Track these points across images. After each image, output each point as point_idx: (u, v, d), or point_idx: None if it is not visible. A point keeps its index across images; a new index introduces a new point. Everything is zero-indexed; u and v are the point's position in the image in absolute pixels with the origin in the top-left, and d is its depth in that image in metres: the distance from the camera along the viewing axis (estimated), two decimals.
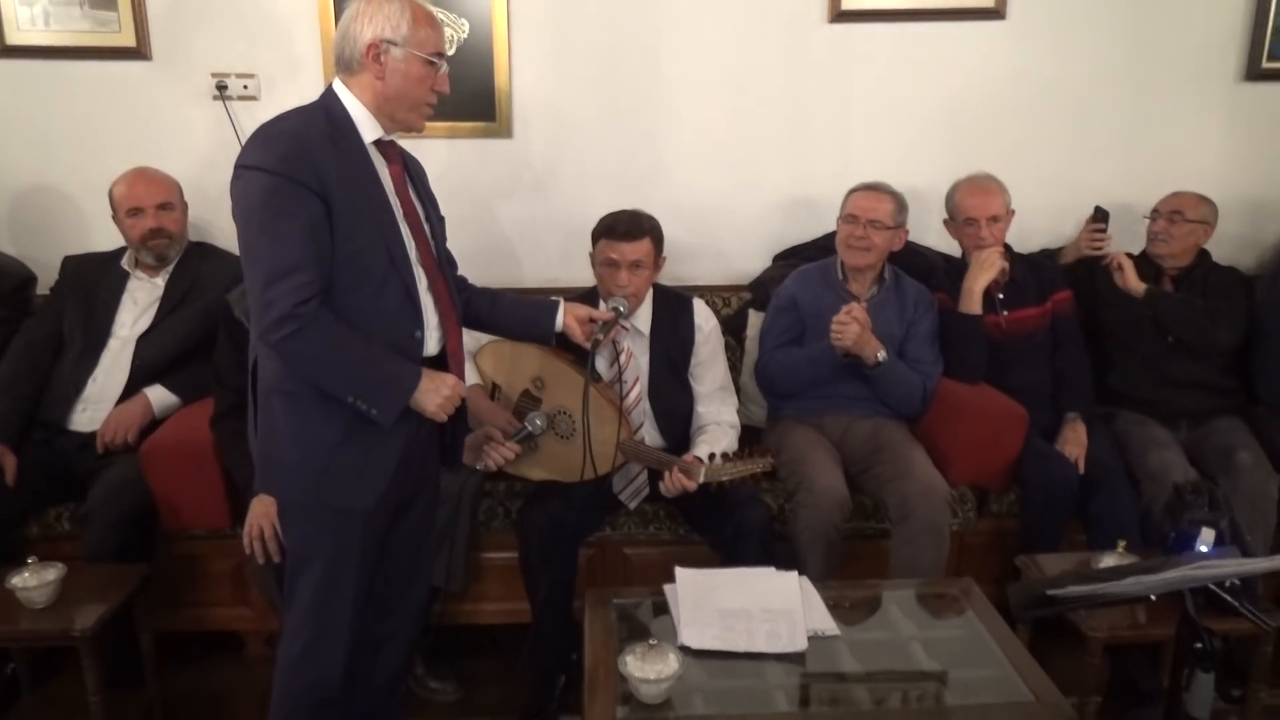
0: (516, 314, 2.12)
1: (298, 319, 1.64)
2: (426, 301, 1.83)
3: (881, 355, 2.56)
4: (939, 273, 2.87)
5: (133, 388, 2.58)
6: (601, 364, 2.45)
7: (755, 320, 2.96)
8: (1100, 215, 2.83)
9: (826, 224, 2.80)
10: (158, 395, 2.57)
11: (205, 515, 2.44)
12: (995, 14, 2.97)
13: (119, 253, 2.75)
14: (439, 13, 2.88)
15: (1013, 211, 2.78)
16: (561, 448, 2.38)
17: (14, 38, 2.90)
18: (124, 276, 2.71)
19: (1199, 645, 1.43)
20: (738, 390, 2.79)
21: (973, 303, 2.68)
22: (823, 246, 2.95)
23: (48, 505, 2.50)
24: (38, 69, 2.92)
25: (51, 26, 2.90)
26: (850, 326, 2.49)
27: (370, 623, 1.94)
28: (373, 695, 2.04)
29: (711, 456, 2.26)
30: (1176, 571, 1.36)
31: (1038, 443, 2.61)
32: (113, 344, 2.63)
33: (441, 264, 1.90)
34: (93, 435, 2.53)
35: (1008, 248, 2.80)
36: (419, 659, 2.51)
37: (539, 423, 2.34)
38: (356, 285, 1.72)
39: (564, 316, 2.07)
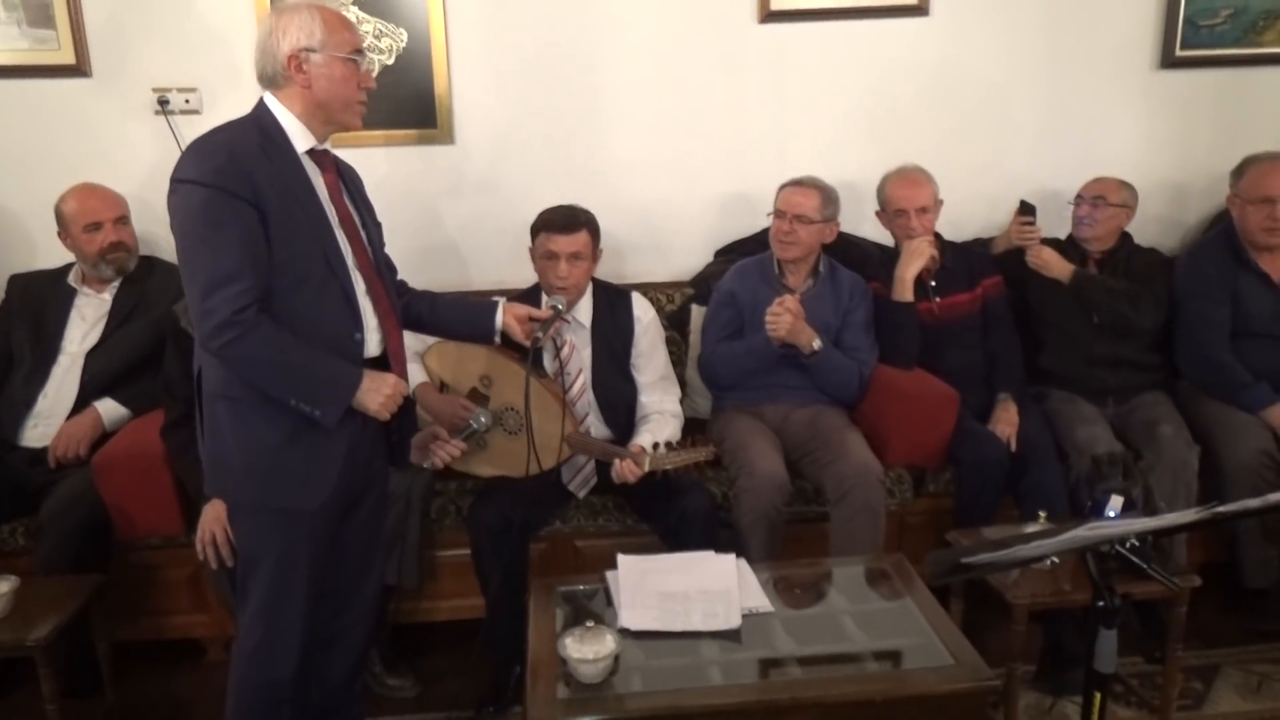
0: (457, 315, 2.18)
1: (238, 325, 1.69)
2: (365, 304, 1.88)
3: (816, 344, 2.65)
4: (873, 262, 2.96)
5: (83, 402, 2.61)
6: (546, 358, 2.52)
7: (698, 315, 3.03)
8: (1026, 209, 2.94)
9: (764, 219, 2.89)
10: (108, 408, 2.61)
11: (159, 524, 2.47)
12: (919, 10, 3.07)
13: (65, 269, 2.78)
14: (375, 22, 2.96)
15: (941, 201, 2.87)
16: (510, 444, 2.44)
17: None
18: (71, 293, 2.73)
19: (1100, 604, 1.52)
20: (682, 384, 2.88)
21: (904, 290, 2.77)
22: (761, 241, 3.03)
23: (1, 521, 2.53)
24: None
25: None
26: (783, 318, 2.57)
27: (323, 620, 2.00)
28: (329, 692, 2.09)
29: (655, 446, 2.34)
30: (1071, 533, 1.44)
31: (970, 423, 2.71)
32: (62, 359, 2.66)
33: (379, 268, 1.96)
34: (44, 450, 2.57)
35: (938, 236, 2.90)
36: (376, 657, 2.56)
37: (483, 420, 2.40)
38: (295, 291, 1.77)
39: (503, 316, 2.13)
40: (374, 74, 1.88)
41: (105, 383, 2.63)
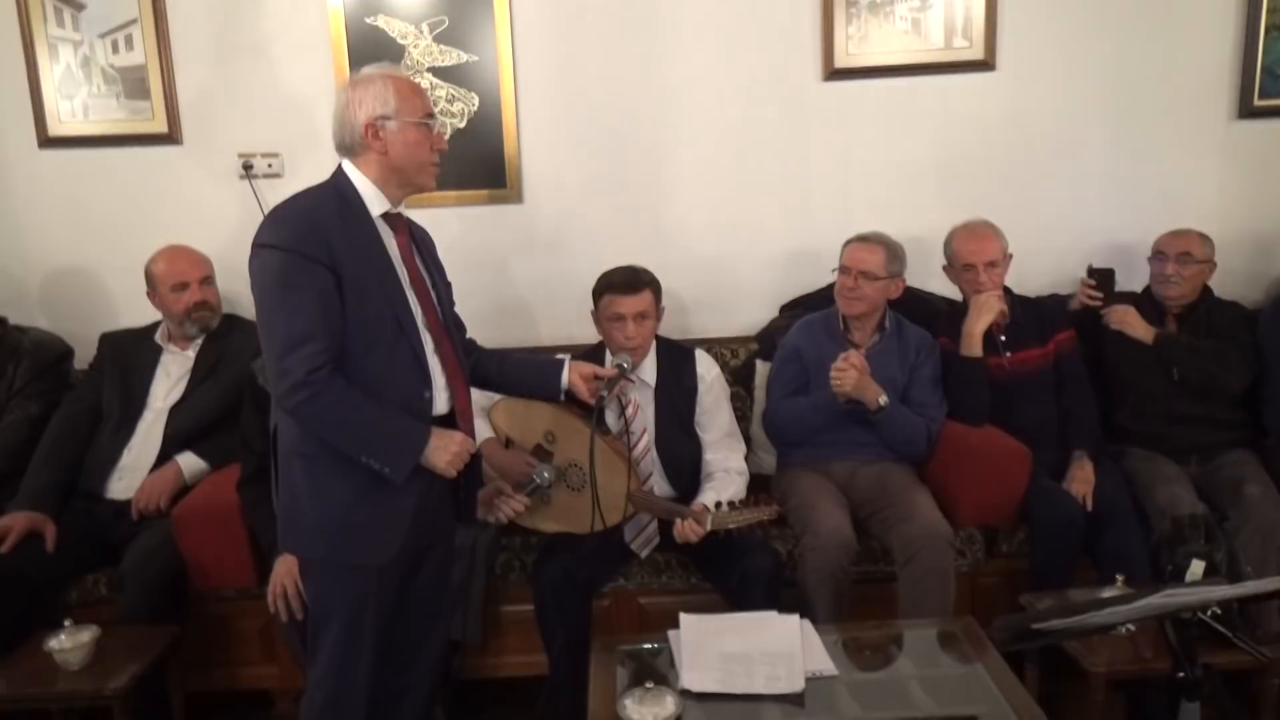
0: (524, 373, 2.22)
1: (311, 385, 1.75)
2: (434, 363, 1.93)
3: (883, 400, 2.62)
4: (941, 318, 2.92)
5: (165, 456, 2.71)
6: (610, 416, 2.54)
7: (763, 370, 3.03)
8: (1096, 275, 2.88)
9: (830, 274, 2.88)
10: (188, 462, 2.70)
11: (233, 575, 2.54)
12: (985, 65, 3.07)
13: (152, 328, 2.90)
14: (448, 88, 3.07)
15: (1010, 256, 2.84)
16: (573, 500, 2.45)
17: (56, 129, 3.10)
18: (157, 350, 2.85)
19: (1181, 674, 1.46)
20: (747, 440, 2.86)
21: (973, 345, 2.73)
22: (827, 296, 3.01)
23: (86, 571, 2.62)
24: (77, 157, 3.12)
25: (90, 117, 3.10)
26: (848, 373, 2.55)
27: (390, 674, 2.02)
28: None
29: (718, 505, 2.33)
30: (1147, 600, 1.39)
31: (1044, 482, 2.63)
32: (147, 415, 2.77)
33: (448, 327, 2.00)
34: (128, 503, 2.66)
35: (1008, 290, 2.86)
36: (440, 713, 2.57)
37: (546, 475, 2.42)
38: (368, 350, 1.83)
39: (569, 374, 2.16)
40: (446, 136, 1.95)
41: (187, 437, 2.73)
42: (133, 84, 3.08)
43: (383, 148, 1.87)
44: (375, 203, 1.90)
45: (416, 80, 1.92)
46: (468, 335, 2.19)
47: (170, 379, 2.81)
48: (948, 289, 3.01)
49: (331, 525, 1.86)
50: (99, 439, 2.76)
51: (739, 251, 3.21)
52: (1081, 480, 2.65)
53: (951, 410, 2.75)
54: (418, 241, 2.02)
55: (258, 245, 1.82)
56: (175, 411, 2.75)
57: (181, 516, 2.50)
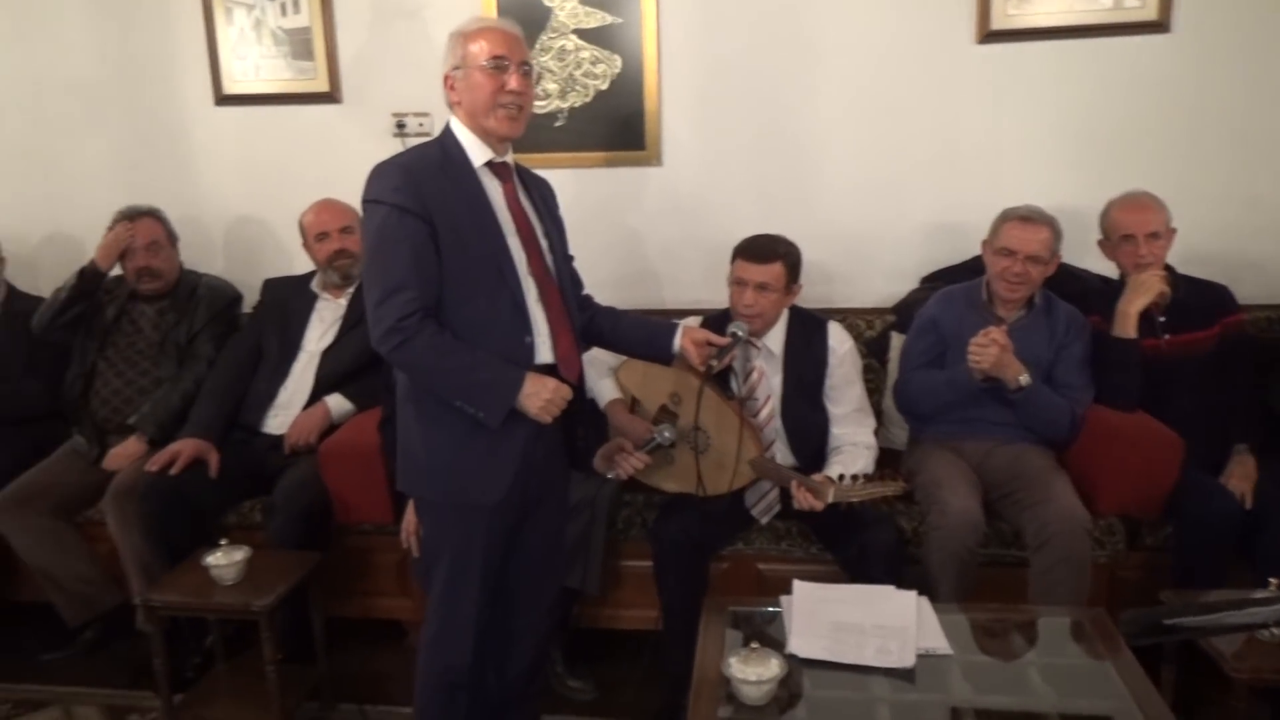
0: (637, 334, 2.23)
1: (402, 331, 1.82)
2: (536, 311, 1.96)
3: (1024, 379, 2.50)
4: (1094, 295, 2.76)
5: (316, 396, 2.88)
6: (734, 382, 2.53)
7: (898, 342, 2.95)
8: None
9: (975, 246, 2.76)
10: (336, 403, 2.87)
11: (372, 512, 2.68)
12: (1158, 27, 2.85)
13: (309, 276, 3.08)
14: (593, 50, 3.09)
15: (1174, 230, 2.65)
16: (694, 462, 2.46)
17: (230, 88, 3.32)
18: (313, 298, 3.03)
19: None
20: (878, 414, 2.80)
21: (1127, 326, 2.57)
22: (972, 269, 2.91)
23: (243, 498, 2.83)
24: (248, 113, 3.34)
25: (261, 76, 3.29)
26: (989, 350, 2.45)
27: (501, 616, 2.09)
28: (506, 685, 2.18)
29: (841, 477, 2.29)
30: None
31: (1196, 474, 2.47)
32: (301, 357, 2.95)
33: (556, 277, 2.02)
34: (281, 437, 2.84)
35: (1169, 269, 2.68)
36: (558, 657, 2.66)
37: (667, 435, 2.44)
38: (469, 297, 1.89)
39: (681, 339, 2.16)
40: (518, 81, 1.90)
41: (336, 379, 2.89)
42: (299, 45, 3.26)
43: (458, 98, 1.94)
44: (477, 153, 1.95)
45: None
46: (585, 292, 2.22)
47: (323, 324, 2.98)
48: (1101, 265, 2.85)
49: (440, 466, 1.94)
50: (259, 377, 2.96)
51: (880, 221, 3.12)
52: (1242, 475, 2.47)
53: (1100, 393, 2.60)
54: (531, 191, 2.05)
55: (364, 200, 1.90)
56: (326, 355, 2.92)
57: (327, 453, 2.67)
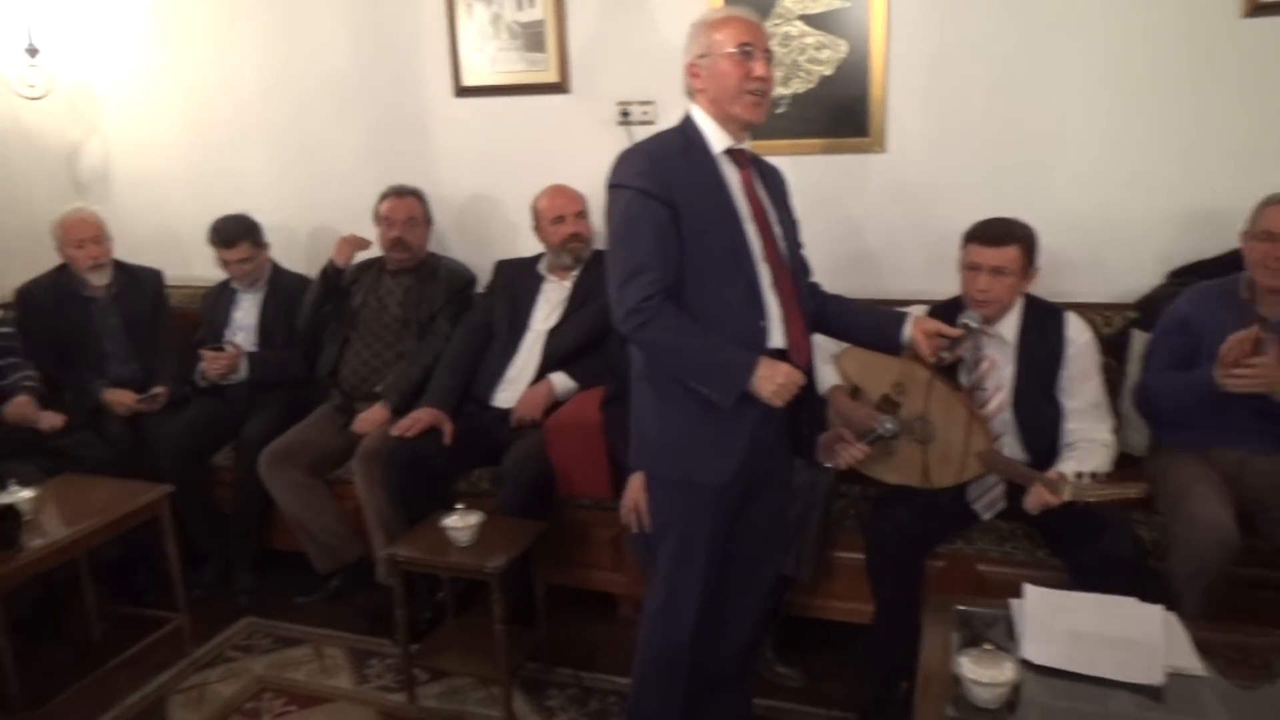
0: (865, 322, 2.20)
1: (644, 312, 1.88)
2: (770, 296, 1.98)
3: None
4: None
5: (541, 373, 3.03)
6: (961, 372, 2.45)
7: (1139, 341, 2.76)
8: None
9: (1232, 239, 2.54)
10: (560, 380, 3.00)
11: (592, 486, 2.80)
12: None
13: (537, 258, 3.23)
14: (817, 35, 3.06)
15: None
16: (917, 453, 2.41)
17: (468, 80, 3.51)
18: (539, 279, 3.18)
19: None
20: (1116, 415, 2.63)
21: None
22: (1228, 264, 2.67)
23: (472, 466, 3.02)
24: (484, 104, 3.52)
25: (496, 68, 3.47)
26: (1254, 376, 2.22)
27: (720, 597, 2.13)
28: (721, 665, 2.23)
29: (1079, 475, 2.18)
30: None
31: None
32: (529, 336, 3.11)
33: (789, 263, 2.04)
34: (508, 411, 3.01)
35: None
36: (768, 643, 2.68)
37: (889, 426, 2.40)
38: (705, 280, 1.93)
39: (911, 329, 2.11)
40: (765, 69, 1.94)
41: (560, 358, 3.03)
42: (531, 38, 3.40)
43: (702, 85, 1.97)
44: (716, 140, 1.98)
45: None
46: (812, 279, 2.22)
47: (550, 305, 3.13)
48: None
49: (673, 444, 1.99)
50: (489, 354, 3.15)
51: (1123, 209, 2.92)
52: None
53: None
54: (765, 178, 2.08)
55: (609, 184, 1.98)
56: (552, 334, 3.07)
57: (553, 428, 2.80)
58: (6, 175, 3.83)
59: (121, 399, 3.30)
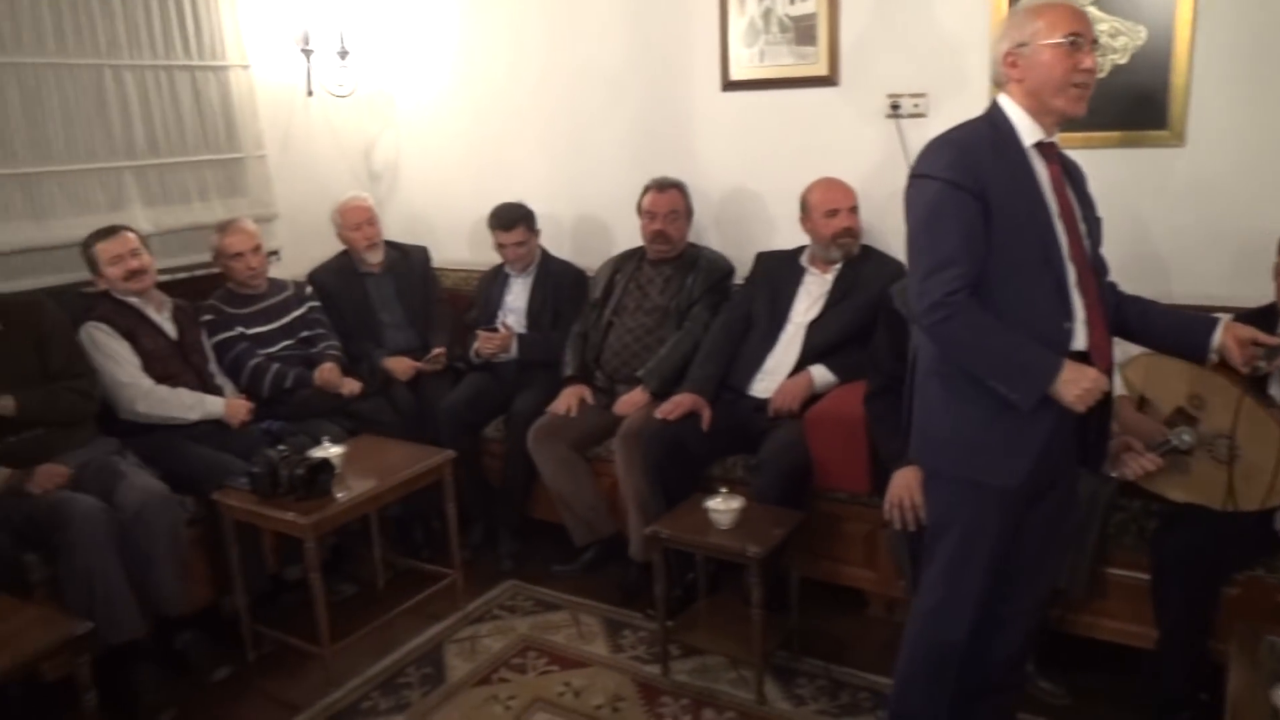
0: (1169, 325, 2.07)
1: (947, 306, 1.84)
2: (1075, 296, 1.90)
3: None
4: None
5: (800, 365, 3.05)
6: (1274, 386, 2.25)
7: None
8: None
9: None
10: (819, 373, 3.01)
11: (850, 480, 2.79)
12: None
13: (799, 251, 3.25)
14: (1112, 21, 2.89)
15: None
16: (1215, 472, 2.24)
17: (736, 74, 3.57)
18: (801, 271, 3.20)
19: None
20: None
21: None
22: None
23: (727, 452, 3.09)
24: (750, 98, 3.56)
25: (764, 62, 3.51)
26: None
27: (995, 601, 2.07)
28: (989, 672, 2.16)
29: None
30: None
31: None
32: (789, 328, 3.14)
33: (1093, 262, 1.96)
34: (766, 401, 3.05)
35: None
36: (1032, 656, 2.57)
37: (1186, 439, 2.24)
38: (1011, 277, 1.87)
39: (1222, 334, 1.97)
40: (1096, 60, 1.86)
41: (820, 350, 3.04)
42: (802, 31, 3.41)
43: (1020, 75, 1.89)
44: (1027, 133, 1.91)
45: (1069, 3, 1.86)
46: (1109, 278, 2.10)
47: (810, 298, 3.14)
48: None
49: (963, 441, 1.95)
50: (748, 344, 3.20)
51: None
52: None
53: None
54: (1071, 174, 1.99)
55: (914, 175, 1.94)
56: (813, 327, 3.08)
57: (813, 420, 2.82)
58: (317, 166, 4.28)
59: (402, 365, 3.63)
